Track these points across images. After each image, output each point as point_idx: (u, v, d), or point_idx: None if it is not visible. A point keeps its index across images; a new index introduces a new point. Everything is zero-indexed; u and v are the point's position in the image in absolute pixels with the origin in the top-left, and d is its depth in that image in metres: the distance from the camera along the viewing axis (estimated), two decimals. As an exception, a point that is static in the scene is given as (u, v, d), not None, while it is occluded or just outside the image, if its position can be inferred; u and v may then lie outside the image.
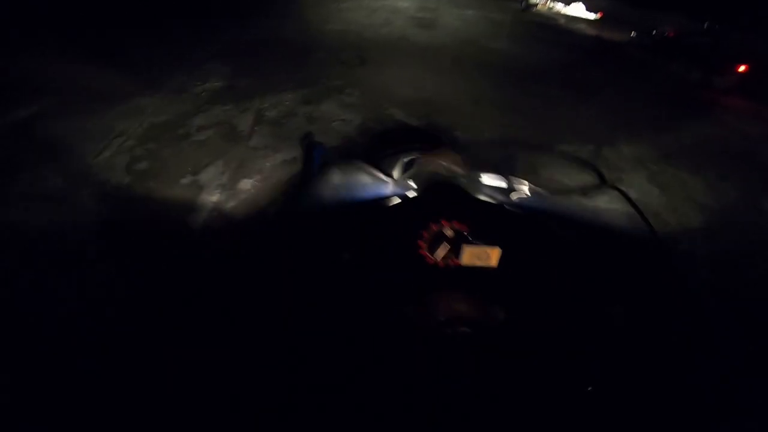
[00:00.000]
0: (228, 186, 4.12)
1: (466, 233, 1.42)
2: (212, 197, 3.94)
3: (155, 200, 3.86)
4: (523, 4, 14.94)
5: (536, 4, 15.20)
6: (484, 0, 15.36)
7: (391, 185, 1.58)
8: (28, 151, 4.36)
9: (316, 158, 4.12)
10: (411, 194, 1.56)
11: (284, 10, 11.18)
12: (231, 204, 3.88)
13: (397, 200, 1.55)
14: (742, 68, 8.86)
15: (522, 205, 1.56)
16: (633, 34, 12.02)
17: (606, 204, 1.60)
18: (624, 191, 1.60)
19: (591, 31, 13.10)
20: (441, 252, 1.39)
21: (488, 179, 1.62)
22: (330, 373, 1.31)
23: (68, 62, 6.39)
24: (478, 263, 1.39)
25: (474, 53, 8.80)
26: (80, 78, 5.99)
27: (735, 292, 3.42)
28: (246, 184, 4.18)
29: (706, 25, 10.72)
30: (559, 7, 15.45)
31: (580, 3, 15.42)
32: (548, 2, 15.42)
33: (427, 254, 1.40)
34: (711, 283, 3.49)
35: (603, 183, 1.76)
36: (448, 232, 1.41)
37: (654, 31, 11.23)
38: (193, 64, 6.94)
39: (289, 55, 7.56)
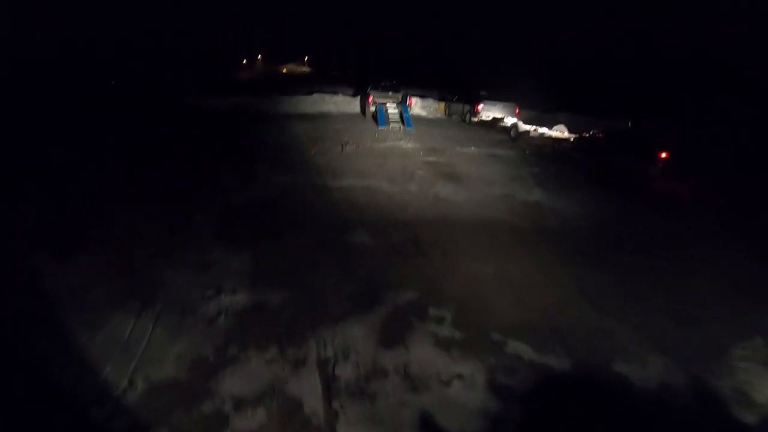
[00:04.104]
0: None
1: None
2: None
3: None
4: (513, 133, 14.79)
5: (526, 131, 15.11)
6: (474, 133, 14.85)
7: None
8: None
9: None
10: None
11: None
12: None
13: None
14: (664, 155, 10.15)
15: None
16: (572, 138, 13.91)
17: None
18: None
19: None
20: None
21: None
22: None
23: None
24: None
25: (520, 214, 7.18)
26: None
27: None
28: None
29: (629, 124, 13.09)
30: (543, 130, 15.51)
31: (561, 125, 15.79)
32: (535, 129, 15.42)
33: None
34: None
35: None
36: None
37: (587, 134, 12.95)
38: (194, 249, 4.84)
39: (317, 230, 5.61)
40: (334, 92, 18.79)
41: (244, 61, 33.33)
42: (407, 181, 8.51)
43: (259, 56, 35.95)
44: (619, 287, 4.86)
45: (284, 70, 35.58)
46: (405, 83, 17.85)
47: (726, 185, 9.43)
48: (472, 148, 12.28)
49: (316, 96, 18.16)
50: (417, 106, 18.83)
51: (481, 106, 17.34)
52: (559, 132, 15.35)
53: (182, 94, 16.63)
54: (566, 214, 7.26)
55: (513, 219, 6.86)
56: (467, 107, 17.53)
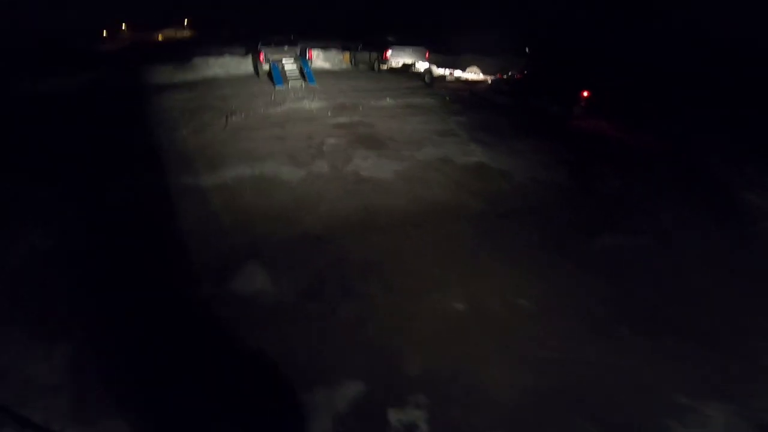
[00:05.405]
0: None
1: None
2: None
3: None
4: (428, 78, 12.97)
5: (441, 76, 13.43)
6: (386, 82, 12.63)
7: None
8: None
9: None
10: None
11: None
12: None
13: None
14: (586, 94, 9.17)
15: None
16: (490, 80, 12.57)
17: None
18: None
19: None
20: None
21: None
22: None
23: None
24: None
25: (466, 187, 5.30)
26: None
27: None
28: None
29: (527, 49, 12.04)
30: (458, 74, 13.86)
31: (475, 67, 14.09)
32: (451, 72, 13.71)
33: None
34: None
35: None
36: None
37: (504, 75, 11.56)
38: None
39: (179, 281, 3.27)
40: (221, 54, 15.19)
41: (104, 33, 26.48)
42: (315, 156, 6.14)
43: (123, 24, 28.93)
44: (623, 298, 3.28)
45: (160, 37, 29.30)
46: (303, 35, 14.86)
47: (656, 127, 8.40)
48: (388, 99, 10.04)
49: (197, 60, 14.51)
50: (319, 58, 15.96)
51: (389, 53, 14.94)
52: (474, 74, 13.62)
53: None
54: (518, 180, 5.53)
55: (460, 197, 4.94)
56: (375, 54, 15.07)
